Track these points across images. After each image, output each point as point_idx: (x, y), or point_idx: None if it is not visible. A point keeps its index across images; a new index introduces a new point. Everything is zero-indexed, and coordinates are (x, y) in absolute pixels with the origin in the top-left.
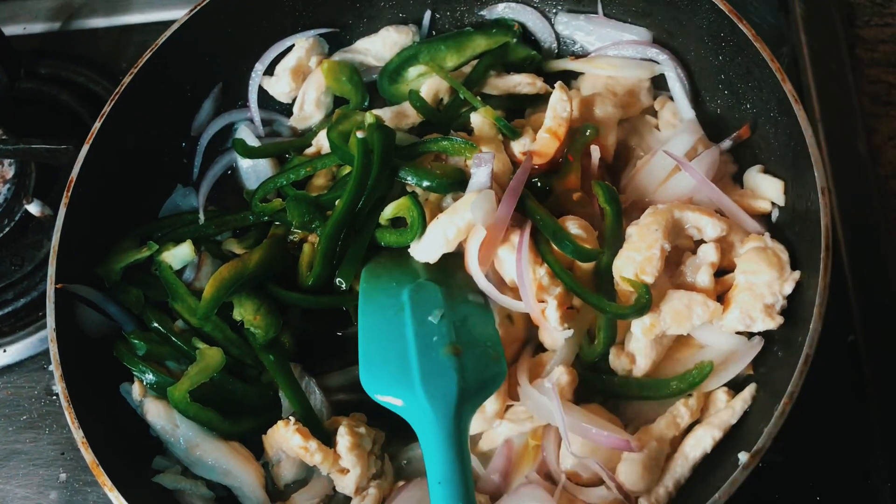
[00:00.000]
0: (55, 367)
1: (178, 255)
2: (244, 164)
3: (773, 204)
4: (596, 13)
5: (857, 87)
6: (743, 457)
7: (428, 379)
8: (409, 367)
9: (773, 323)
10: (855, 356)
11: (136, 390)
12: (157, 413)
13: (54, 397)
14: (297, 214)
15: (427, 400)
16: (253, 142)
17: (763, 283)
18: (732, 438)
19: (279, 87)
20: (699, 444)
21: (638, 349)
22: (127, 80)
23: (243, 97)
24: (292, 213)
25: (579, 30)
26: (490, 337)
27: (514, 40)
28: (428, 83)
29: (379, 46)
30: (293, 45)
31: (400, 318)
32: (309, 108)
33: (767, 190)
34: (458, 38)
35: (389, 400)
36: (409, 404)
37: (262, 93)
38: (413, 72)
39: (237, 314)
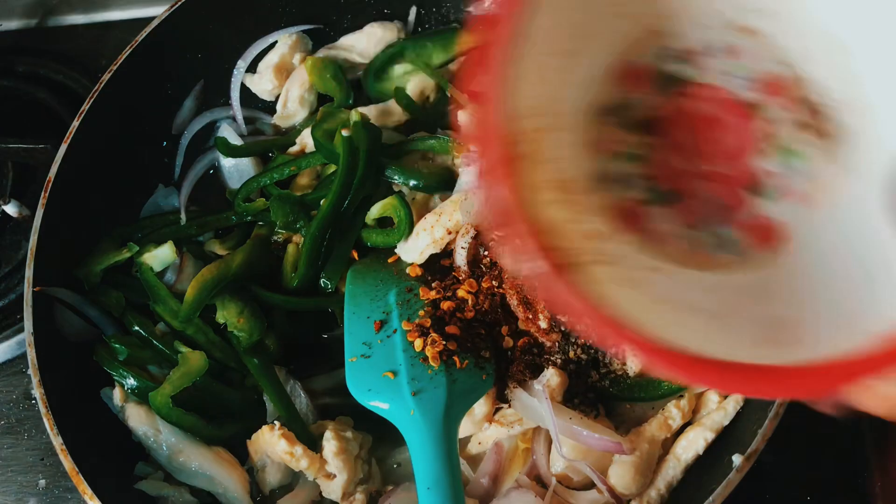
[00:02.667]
0: (34, 373)
1: (160, 256)
2: (226, 163)
3: None
4: None
5: None
6: (737, 459)
7: (416, 382)
8: (397, 370)
9: None
10: None
11: (116, 395)
12: (138, 418)
13: (33, 402)
14: (281, 214)
15: (415, 403)
16: (235, 140)
17: None
18: (725, 440)
19: (262, 84)
20: (691, 445)
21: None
22: (106, 77)
23: (225, 95)
24: (276, 212)
25: None
26: None
27: None
28: (414, 80)
29: (364, 43)
30: (276, 42)
31: (387, 320)
32: (292, 105)
33: None
34: (445, 35)
35: (376, 404)
36: (396, 408)
37: (245, 90)
38: (399, 69)
39: (220, 317)
